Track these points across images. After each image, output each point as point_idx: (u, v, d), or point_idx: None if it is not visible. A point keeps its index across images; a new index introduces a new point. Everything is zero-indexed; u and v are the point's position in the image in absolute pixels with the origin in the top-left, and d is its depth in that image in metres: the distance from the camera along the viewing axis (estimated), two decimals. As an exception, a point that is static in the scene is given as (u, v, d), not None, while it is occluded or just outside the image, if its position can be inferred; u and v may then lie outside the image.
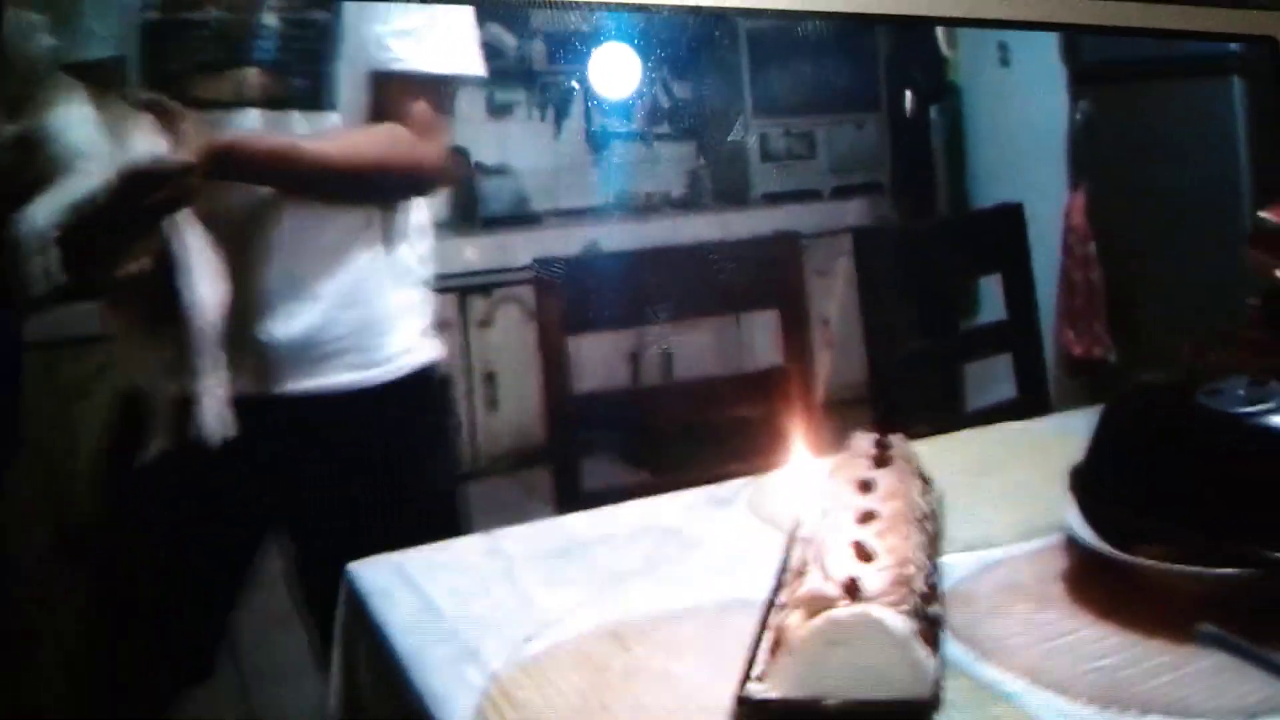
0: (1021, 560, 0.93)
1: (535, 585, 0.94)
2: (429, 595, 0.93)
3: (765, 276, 2.00)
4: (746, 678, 0.72)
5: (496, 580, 0.96)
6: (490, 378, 2.47)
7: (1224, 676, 0.71)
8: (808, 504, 0.94)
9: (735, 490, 1.13)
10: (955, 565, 0.91)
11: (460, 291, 2.49)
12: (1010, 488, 1.10)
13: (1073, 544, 0.91)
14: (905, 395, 1.83)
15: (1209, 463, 0.87)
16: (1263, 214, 1.23)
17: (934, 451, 1.07)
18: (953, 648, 0.78)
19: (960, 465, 1.14)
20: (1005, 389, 2.08)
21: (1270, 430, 0.85)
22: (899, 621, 0.70)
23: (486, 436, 2.46)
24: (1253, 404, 0.87)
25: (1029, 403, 1.82)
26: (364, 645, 0.94)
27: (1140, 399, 1.12)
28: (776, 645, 0.73)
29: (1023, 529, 0.98)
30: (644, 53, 1.22)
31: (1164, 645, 0.77)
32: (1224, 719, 0.68)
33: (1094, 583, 0.87)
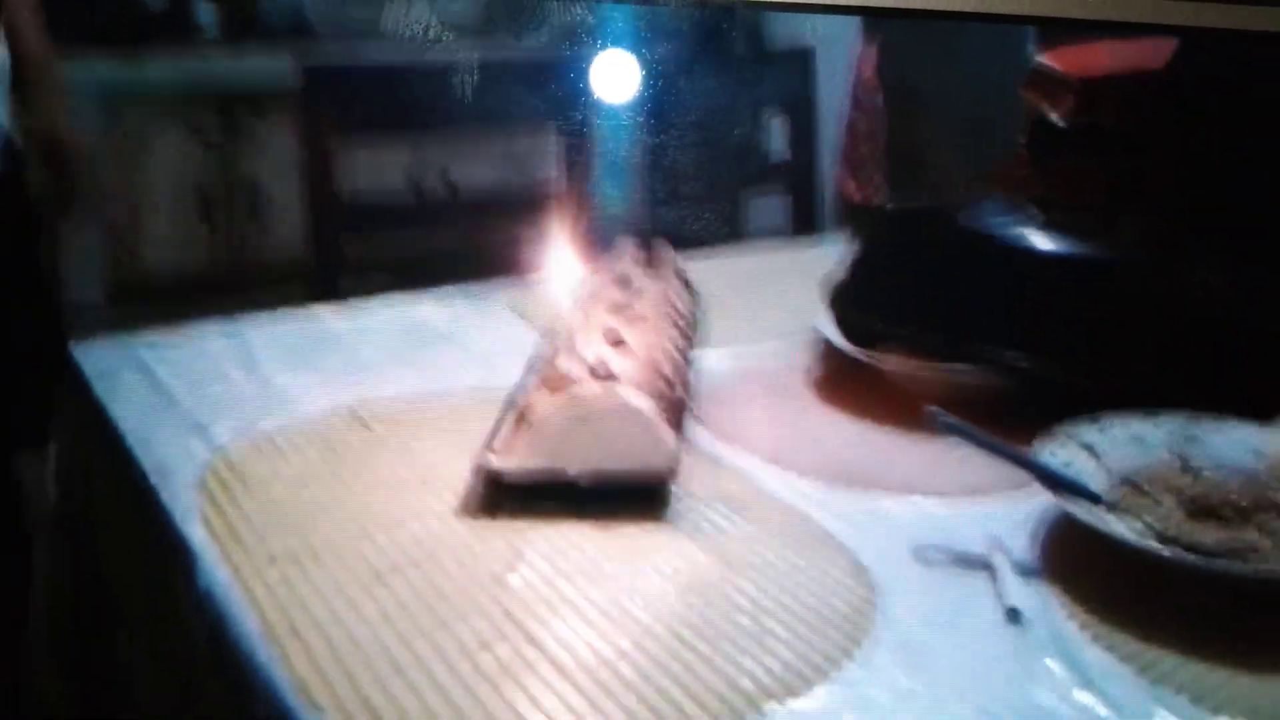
0: (773, 359, 0.94)
1: (275, 369, 0.90)
2: (158, 377, 0.88)
3: (547, 96, 1.95)
4: (488, 449, 0.70)
5: (233, 364, 0.91)
6: (254, 190, 2.35)
7: (950, 460, 0.73)
8: (567, 299, 0.92)
9: (496, 289, 1.10)
10: (708, 360, 0.92)
11: (224, 101, 2.33)
12: (772, 298, 1.11)
13: (823, 346, 0.93)
14: (685, 223, 1.84)
15: (954, 272, 0.89)
16: (1039, 59, 1.26)
17: (705, 265, 1.07)
18: (696, 431, 0.79)
19: (727, 278, 1.14)
20: (783, 224, 2.11)
21: (1008, 243, 0.88)
22: (641, 400, 0.69)
23: (250, 251, 2.35)
24: (1001, 223, 0.90)
25: (787, 232, 1.86)
26: (85, 428, 0.88)
27: (899, 218, 1.14)
28: (521, 421, 0.72)
29: (778, 332, 0.99)
30: None
31: (897, 434, 0.79)
32: (946, 496, 0.71)
33: (840, 381, 0.89)
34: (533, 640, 0.56)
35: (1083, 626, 0.58)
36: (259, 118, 2.36)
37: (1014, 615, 0.58)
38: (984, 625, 0.58)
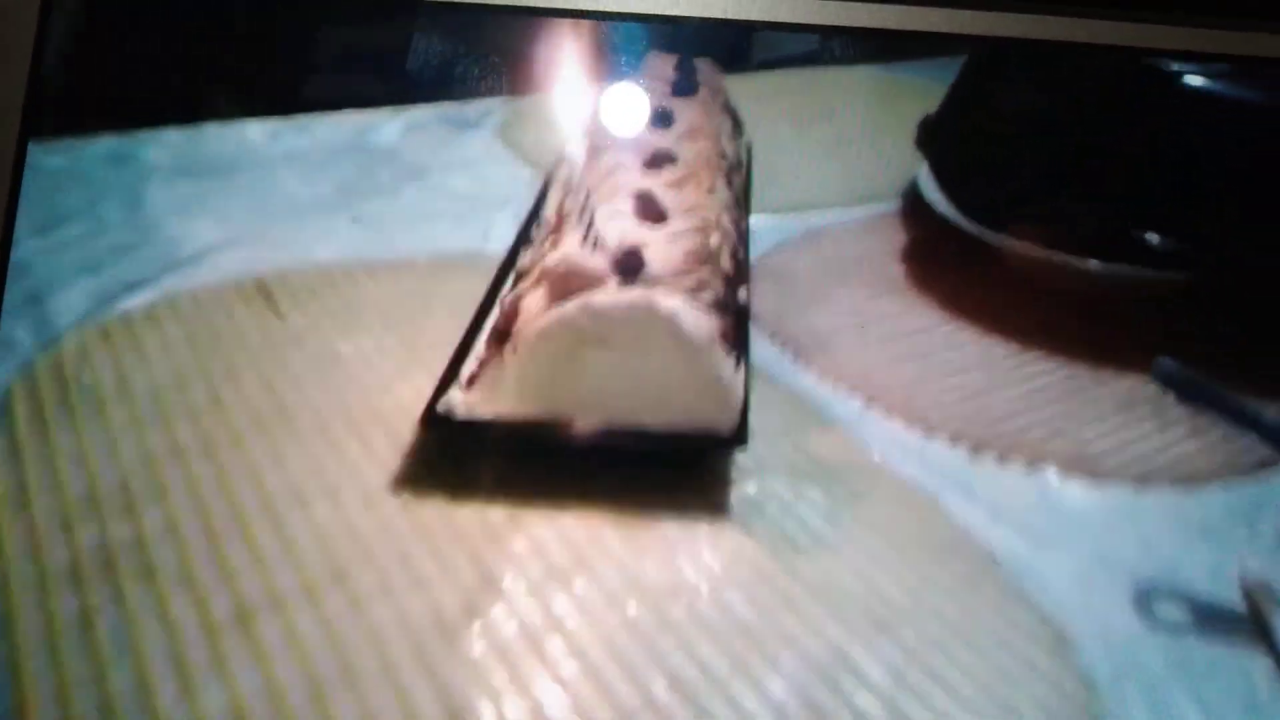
0: (852, 230, 0.65)
1: (168, 210, 0.60)
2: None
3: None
4: (448, 380, 0.42)
5: (115, 198, 0.62)
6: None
7: (1141, 412, 0.46)
8: (579, 135, 0.63)
9: (483, 111, 0.79)
10: (765, 231, 0.63)
11: None
12: (831, 141, 0.81)
13: (920, 214, 0.64)
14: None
15: (1126, 130, 0.60)
16: None
17: (732, 90, 0.76)
18: (762, 347, 0.51)
19: (766, 111, 0.83)
20: (802, 42, 1.76)
21: (1211, 94, 0.59)
22: (692, 314, 0.41)
23: None
24: (1190, 60, 0.60)
25: (836, 52, 1.53)
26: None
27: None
28: (504, 335, 0.43)
29: (851, 191, 0.69)
30: None
31: (1053, 361, 0.51)
32: (1153, 482, 0.43)
33: (947, 268, 0.60)
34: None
35: None
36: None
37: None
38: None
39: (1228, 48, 0.57)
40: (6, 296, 0.51)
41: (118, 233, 0.58)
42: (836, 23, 0.59)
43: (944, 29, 0.58)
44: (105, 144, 0.67)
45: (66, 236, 0.57)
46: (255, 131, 0.73)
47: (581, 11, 0.64)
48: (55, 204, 0.60)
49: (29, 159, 0.64)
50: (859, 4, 0.55)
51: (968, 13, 0.58)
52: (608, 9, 0.63)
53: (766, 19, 0.58)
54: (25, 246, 0.56)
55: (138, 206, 0.61)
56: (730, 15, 0.59)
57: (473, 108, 0.78)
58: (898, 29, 0.58)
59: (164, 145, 0.68)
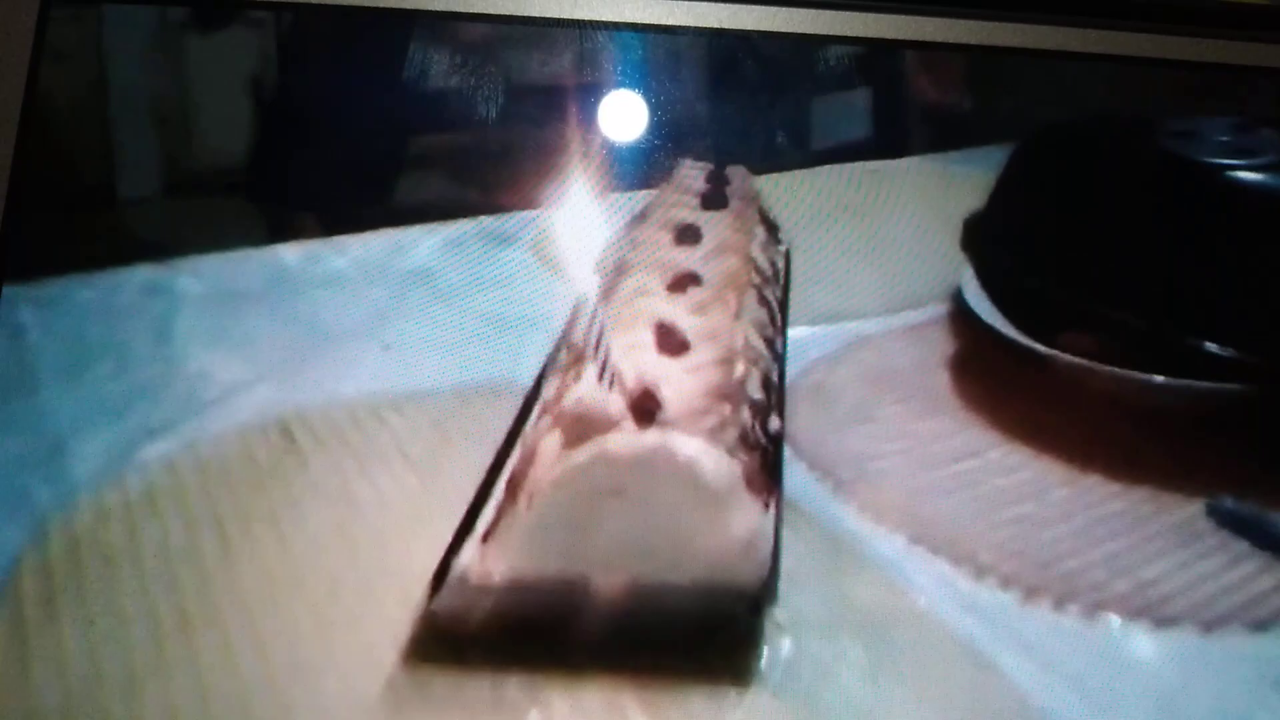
0: (896, 340, 0.62)
1: (198, 344, 0.60)
2: (27, 348, 0.58)
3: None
4: (463, 534, 0.40)
5: (143, 332, 0.61)
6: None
7: (1205, 548, 0.43)
8: (605, 258, 0.61)
9: (523, 223, 0.78)
10: (803, 344, 0.61)
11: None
12: (874, 242, 0.78)
13: (965, 322, 0.61)
14: (740, 128, 1.49)
15: (1176, 229, 0.57)
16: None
17: (770, 193, 0.74)
18: (796, 474, 0.48)
19: (806, 211, 0.81)
20: (855, 129, 1.74)
21: (1264, 190, 0.56)
22: (715, 462, 0.39)
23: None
24: (1239, 155, 0.57)
25: (886, 145, 1.51)
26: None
27: (1077, 134, 0.80)
28: (520, 481, 0.41)
29: (894, 297, 0.67)
30: None
31: (1106, 487, 0.48)
32: (1224, 628, 0.40)
33: (996, 382, 0.57)
34: None
35: None
36: None
37: None
38: None
39: (1229, 58, 0.55)
40: (29, 446, 0.50)
41: (143, 371, 0.57)
42: (831, 32, 0.59)
43: (941, 39, 0.58)
44: (140, 274, 0.67)
45: (94, 375, 0.56)
46: (291, 254, 0.72)
47: (574, 21, 0.65)
48: (85, 341, 0.59)
49: (61, 293, 0.64)
50: (854, 14, 0.55)
51: (966, 23, 0.57)
52: (601, 18, 0.63)
53: (761, 29, 0.57)
54: (52, 390, 0.55)
55: (165, 341, 0.60)
56: (726, 25, 0.57)
57: (513, 221, 0.78)
58: (894, 39, 0.58)
59: (198, 273, 0.68)
